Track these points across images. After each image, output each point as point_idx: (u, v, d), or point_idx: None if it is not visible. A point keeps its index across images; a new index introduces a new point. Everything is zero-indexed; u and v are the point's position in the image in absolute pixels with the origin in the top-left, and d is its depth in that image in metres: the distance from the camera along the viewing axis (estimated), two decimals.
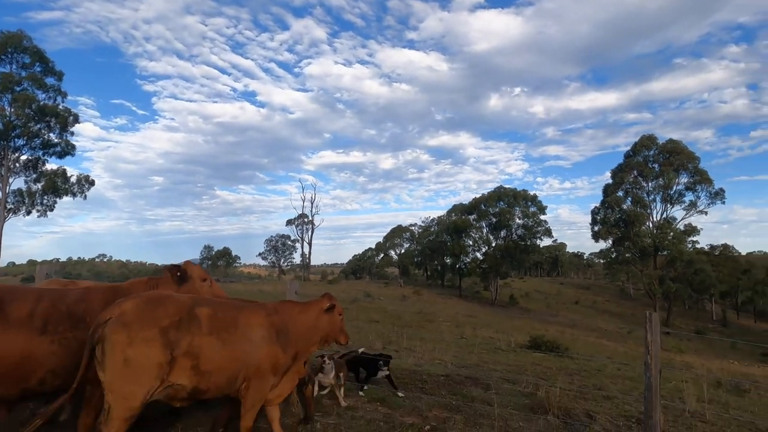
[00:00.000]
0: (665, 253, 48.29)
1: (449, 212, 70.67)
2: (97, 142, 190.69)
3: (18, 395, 3.08)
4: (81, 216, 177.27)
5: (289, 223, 72.20)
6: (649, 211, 49.80)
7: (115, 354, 2.85)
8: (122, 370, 2.85)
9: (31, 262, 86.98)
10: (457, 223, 63.00)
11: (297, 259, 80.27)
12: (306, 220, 68.80)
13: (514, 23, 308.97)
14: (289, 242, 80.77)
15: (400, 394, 5.56)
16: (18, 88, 32.72)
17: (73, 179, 36.01)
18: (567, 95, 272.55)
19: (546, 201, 66.79)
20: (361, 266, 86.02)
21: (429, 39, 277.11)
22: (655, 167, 49.15)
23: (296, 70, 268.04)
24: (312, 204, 67.91)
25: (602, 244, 53.20)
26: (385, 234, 79.41)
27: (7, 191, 33.61)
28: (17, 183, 34.74)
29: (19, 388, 3.03)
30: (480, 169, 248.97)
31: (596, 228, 51.76)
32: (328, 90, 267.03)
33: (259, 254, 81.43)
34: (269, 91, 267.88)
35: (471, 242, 63.92)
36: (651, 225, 49.56)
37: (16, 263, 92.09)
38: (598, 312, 59.40)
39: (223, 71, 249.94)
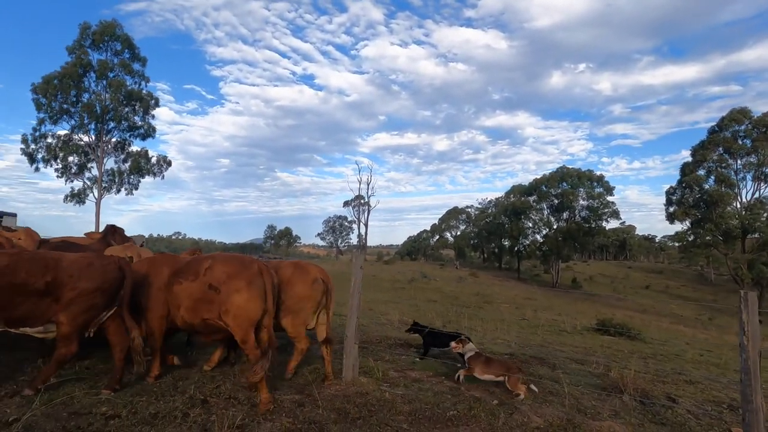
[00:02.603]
0: (756, 235, 43.94)
1: (507, 194, 68.59)
2: (171, 126, 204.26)
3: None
4: (159, 196, 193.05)
5: (346, 204, 73.75)
6: (736, 190, 45.33)
7: None
8: None
9: None
10: (516, 204, 61.03)
11: (354, 239, 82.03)
12: (362, 201, 69.83)
13: None
14: (346, 223, 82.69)
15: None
16: (111, 74, 35.48)
17: (153, 160, 38.57)
18: (638, 70, 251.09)
19: (612, 182, 62.52)
20: (416, 248, 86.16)
21: (488, 16, 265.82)
22: (746, 143, 44.42)
23: (353, 52, 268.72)
24: (368, 186, 68.74)
25: (678, 226, 49.41)
26: (439, 216, 78.77)
27: (102, 170, 36.94)
28: (108, 164, 38.17)
29: None
30: (539, 149, 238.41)
31: (672, 209, 48.03)
32: (383, 72, 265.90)
33: (318, 234, 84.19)
34: (326, 74, 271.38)
35: (530, 224, 61.79)
36: (738, 205, 45.21)
37: None
38: (671, 297, 55.42)
39: (283, 55, 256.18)
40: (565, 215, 60.89)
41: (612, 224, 64.96)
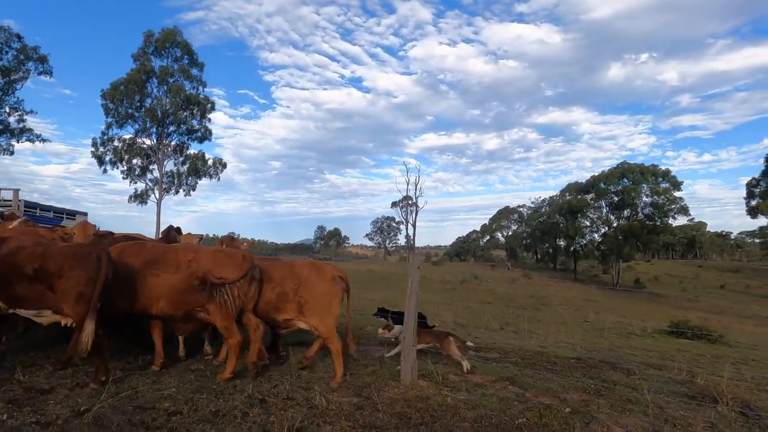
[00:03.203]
0: None
1: (563, 192, 65.78)
2: (226, 130, 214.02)
3: None
4: (214, 197, 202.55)
5: (394, 205, 73.72)
6: None
7: None
8: None
9: None
10: (572, 203, 58.32)
11: (401, 240, 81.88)
12: (410, 202, 69.54)
13: None
14: (394, 224, 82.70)
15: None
16: (171, 80, 37.15)
17: (210, 162, 39.85)
18: (710, 56, 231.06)
19: (680, 176, 57.67)
20: (465, 248, 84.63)
21: (540, 10, 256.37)
22: None
23: (401, 53, 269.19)
24: (416, 186, 68.38)
25: (761, 221, 45.29)
26: (489, 216, 76.88)
27: (162, 172, 38.56)
28: (168, 166, 39.93)
29: None
30: (596, 145, 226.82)
31: (754, 202, 44.05)
32: (431, 72, 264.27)
33: (366, 235, 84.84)
34: (374, 76, 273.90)
35: (588, 223, 58.80)
36: None
37: None
38: (752, 297, 50.55)
39: (332, 58, 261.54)
40: (626, 213, 57.45)
41: (680, 221, 60.52)
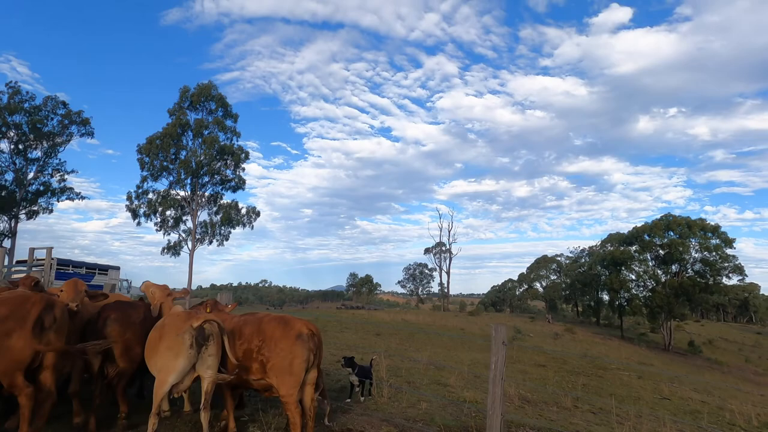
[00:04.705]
0: None
1: (603, 242, 63.38)
2: (260, 180, 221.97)
3: None
4: (247, 245, 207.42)
5: (426, 251, 72.77)
6: None
7: None
8: None
9: (213, 287, 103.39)
10: (615, 254, 55.88)
11: (434, 287, 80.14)
12: (444, 248, 68.52)
13: (667, 41, 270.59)
14: (426, 271, 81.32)
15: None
16: (206, 132, 38.14)
17: (243, 211, 40.35)
18: (741, 114, 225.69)
19: None
20: (500, 298, 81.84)
21: (565, 65, 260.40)
22: None
23: (428, 104, 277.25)
24: (449, 233, 67.52)
25: None
26: (526, 264, 74.77)
27: (195, 223, 39.01)
28: (202, 216, 39.93)
29: None
30: (630, 196, 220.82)
31: None
32: (459, 121, 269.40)
33: (398, 282, 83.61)
34: (403, 126, 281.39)
35: (634, 276, 55.93)
36: None
37: (202, 287, 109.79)
38: None
39: (362, 110, 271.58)
40: (673, 268, 54.44)
41: (731, 281, 56.68)
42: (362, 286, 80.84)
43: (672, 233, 53.13)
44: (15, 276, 15.16)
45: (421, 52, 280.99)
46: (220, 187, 39.98)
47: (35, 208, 36.70)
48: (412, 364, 12.82)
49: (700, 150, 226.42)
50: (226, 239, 39.81)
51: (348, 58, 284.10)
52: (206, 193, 39.66)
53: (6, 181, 35.39)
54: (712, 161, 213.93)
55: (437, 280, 75.11)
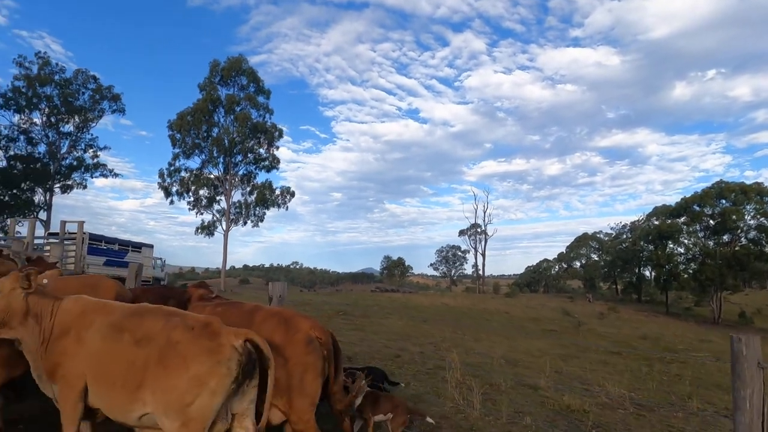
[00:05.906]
0: None
1: (649, 216, 60.24)
2: (289, 164, 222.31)
3: None
4: (279, 228, 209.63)
5: (461, 233, 71.00)
6: None
7: None
8: None
9: (246, 267, 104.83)
10: (662, 228, 52.87)
11: (468, 269, 78.63)
12: (479, 230, 66.57)
13: None
14: (460, 253, 79.84)
15: None
16: (237, 108, 36.56)
17: (277, 192, 38.75)
18: None
19: None
20: (535, 278, 79.57)
21: (596, 34, 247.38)
22: None
23: (456, 84, 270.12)
24: (485, 214, 65.47)
25: None
26: (558, 243, 72.40)
27: (230, 203, 37.70)
28: (235, 196, 38.63)
29: None
30: (665, 167, 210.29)
31: None
32: (487, 100, 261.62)
33: (431, 264, 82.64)
34: (431, 107, 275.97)
35: (682, 249, 52.96)
36: None
37: (235, 267, 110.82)
38: None
39: (389, 92, 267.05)
40: (725, 238, 51.22)
41: None
42: (395, 269, 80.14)
43: (724, 201, 49.88)
44: (46, 247, 14.59)
45: (447, 30, 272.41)
46: (254, 167, 38.53)
47: (69, 183, 36.44)
48: (480, 358, 11.48)
49: (741, 112, 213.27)
50: (261, 220, 38.17)
51: (374, 39, 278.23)
52: (239, 173, 38.36)
53: (39, 153, 35.26)
54: (753, 123, 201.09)
55: (471, 261, 73.46)
